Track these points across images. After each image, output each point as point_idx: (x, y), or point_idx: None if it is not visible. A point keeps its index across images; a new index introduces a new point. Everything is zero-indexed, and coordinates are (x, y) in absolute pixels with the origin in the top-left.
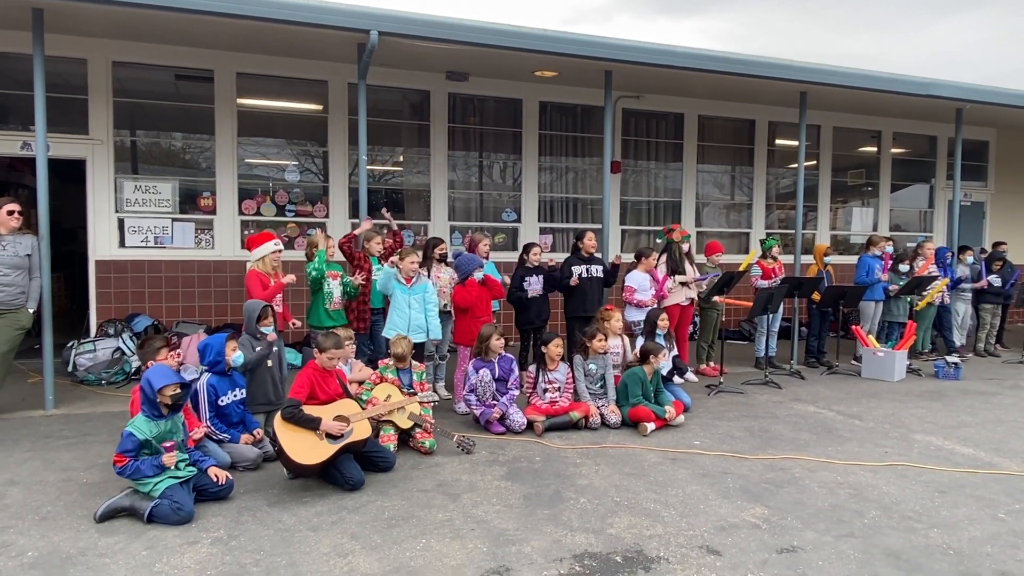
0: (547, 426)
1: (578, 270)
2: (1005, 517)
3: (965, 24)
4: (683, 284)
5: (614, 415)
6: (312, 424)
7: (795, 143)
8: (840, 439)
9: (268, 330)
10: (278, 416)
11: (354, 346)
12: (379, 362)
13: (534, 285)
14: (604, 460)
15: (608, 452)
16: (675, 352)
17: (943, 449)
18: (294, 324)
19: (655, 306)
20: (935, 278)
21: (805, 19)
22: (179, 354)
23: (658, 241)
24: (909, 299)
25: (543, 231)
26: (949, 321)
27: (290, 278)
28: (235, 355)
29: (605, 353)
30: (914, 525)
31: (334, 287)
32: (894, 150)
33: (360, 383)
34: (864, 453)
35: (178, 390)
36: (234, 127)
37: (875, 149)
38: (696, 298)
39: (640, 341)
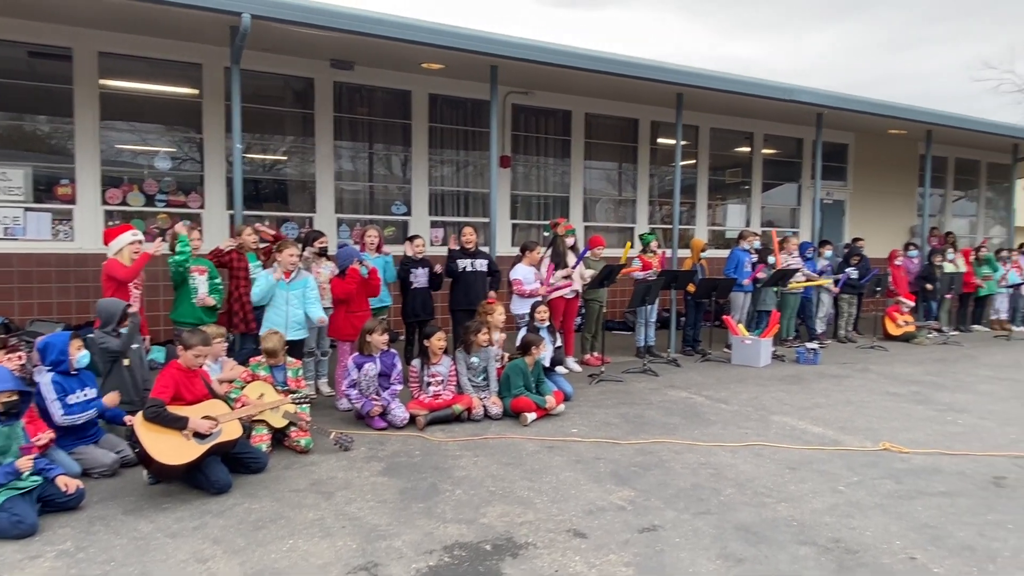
0: (429, 420)
1: (463, 263)
2: (844, 489)
3: (840, 32)
4: (565, 277)
5: (496, 406)
6: (178, 423)
7: (674, 142)
8: (707, 422)
9: (126, 331)
10: (139, 416)
11: (225, 344)
12: (250, 359)
13: (419, 277)
14: (484, 451)
15: (489, 443)
16: (559, 343)
17: (797, 429)
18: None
19: (541, 299)
20: (796, 270)
21: (696, 20)
22: (21, 356)
23: (544, 235)
24: (775, 289)
25: (434, 224)
26: (811, 310)
27: (157, 245)
28: (80, 354)
29: (488, 346)
30: (765, 500)
31: (200, 282)
32: (765, 151)
33: (231, 382)
34: (727, 435)
35: (13, 397)
36: (96, 110)
37: (748, 149)
38: (580, 291)
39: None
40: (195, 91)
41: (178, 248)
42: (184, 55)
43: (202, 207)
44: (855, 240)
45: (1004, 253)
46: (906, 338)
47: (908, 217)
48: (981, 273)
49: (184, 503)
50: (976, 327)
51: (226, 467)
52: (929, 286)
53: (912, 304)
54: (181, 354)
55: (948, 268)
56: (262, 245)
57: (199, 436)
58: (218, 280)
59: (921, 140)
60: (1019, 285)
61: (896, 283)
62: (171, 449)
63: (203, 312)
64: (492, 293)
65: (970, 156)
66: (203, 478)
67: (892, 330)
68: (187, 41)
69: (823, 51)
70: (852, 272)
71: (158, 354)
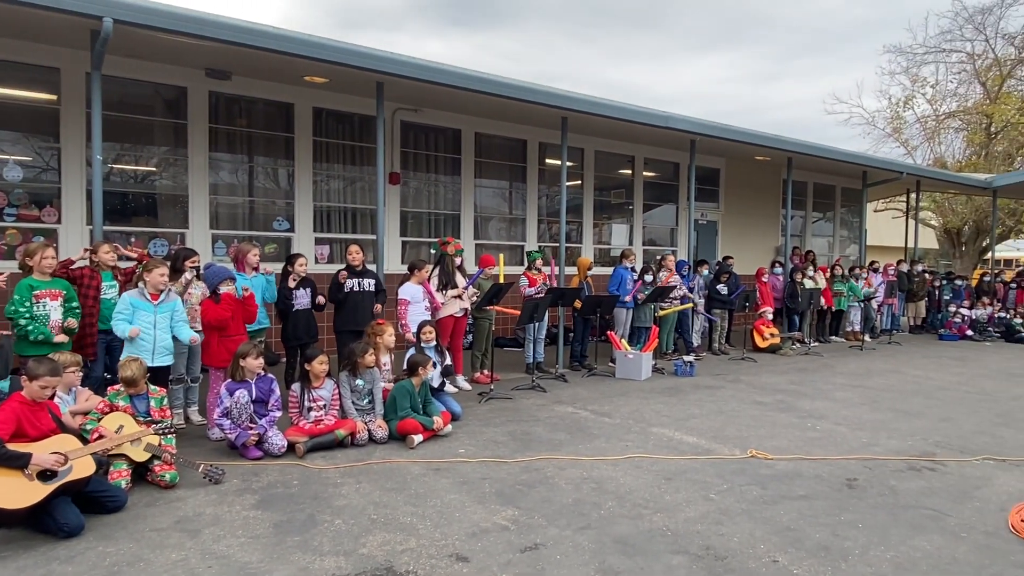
0: (310, 447)
1: (349, 283)
2: (715, 497)
3: (714, 62)
4: (456, 297)
5: (381, 430)
6: (19, 461)
7: (561, 163)
8: (591, 436)
9: None
10: None
11: (80, 373)
12: (108, 388)
13: (300, 298)
14: (367, 477)
15: (373, 468)
16: (447, 362)
17: (673, 439)
18: None
19: (429, 318)
20: (673, 287)
21: (584, 46)
22: None
23: (432, 252)
24: (653, 305)
25: (319, 241)
26: (688, 325)
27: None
28: None
29: (374, 367)
30: (642, 512)
31: (52, 308)
32: (646, 174)
33: (86, 414)
34: (609, 448)
35: None
36: None
37: (630, 172)
38: (468, 309)
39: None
40: (52, 96)
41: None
42: (40, 58)
43: (58, 221)
44: (725, 258)
45: (857, 271)
46: (772, 349)
47: (773, 237)
48: (836, 289)
49: (27, 550)
50: (834, 338)
51: (78, 507)
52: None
53: (772, 309)
54: (26, 385)
55: (809, 284)
56: (124, 265)
57: (45, 475)
58: (75, 304)
59: (784, 166)
60: (870, 299)
61: (763, 298)
62: (10, 491)
63: (57, 343)
64: (379, 307)
65: (827, 181)
66: (51, 521)
67: (760, 342)
68: (43, 43)
69: (699, 80)
70: (722, 288)
71: (3, 383)
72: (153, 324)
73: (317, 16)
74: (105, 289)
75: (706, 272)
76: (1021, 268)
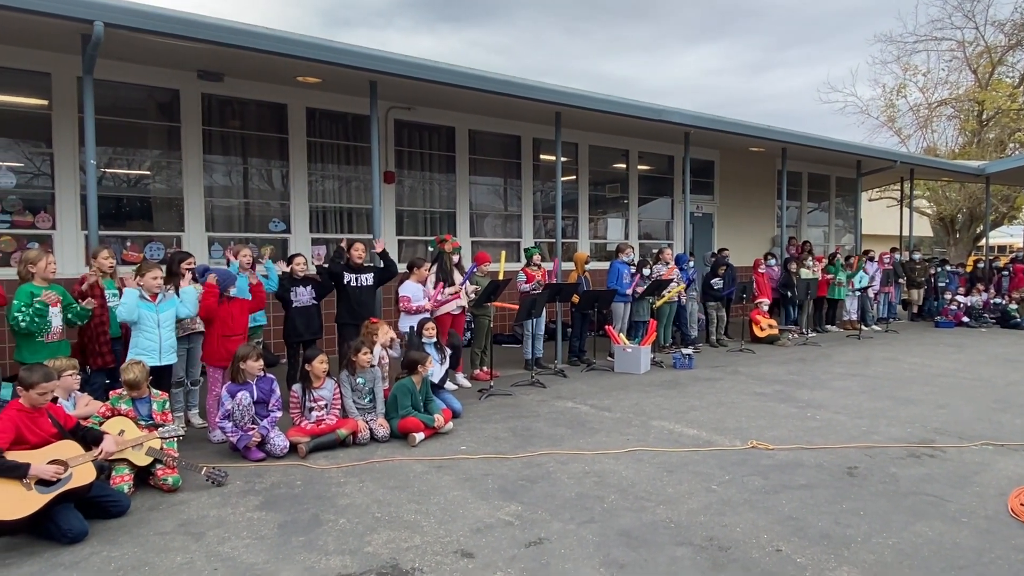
0: (312, 447)
1: (348, 278)
2: (717, 488)
3: (707, 54)
4: (453, 294)
5: (383, 428)
6: (17, 472)
7: (555, 158)
8: (591, 431)
9: None
10: None
11: (78, 377)
12: (110, 392)
13: (301, 296)
14: (370, 476)
15: (375, 467)
16: (447, 364)
17: (674, 432)
18: None
19: (430, 315)
20: (670, 281)
21: (575, 39)
22: None
23: (430, 250)
24: (651, 299)
25: (316, 241)
26: (685, 318)
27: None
28: None
29: (373, 366)
30: (645, 504)
31: (53, 315)
32: (640, 167)
33: (87, 418)
34: (610, 442)
35: None
36: None
37: (625, 166)
38: (466, 306)
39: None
40: (44, 102)
41: (18, 300)
42: (30, 63)
43: (53, 227)
44: (721, 251)
45: (851, 260)
46: (770, 340)
47: (769, 228)
48: (838, 279)
49: (32, 556)
50: (830, 328)
51: (81, 513)
52: (788, 292)
53: (768, 302)
54: (22, 394)
55: (805, 274)
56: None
57: (45, 483)
58: (75, 304)
59: (778, 157)
60: (867, 288)
61: (760, 289)
62: (9, 501)
63: (54, 348)
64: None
65: (821, 171)
66: (54, 527)
67: (758, 333)
68: (33, 48)
69: (691, 72)
70: (717, 282)
71: (6, 391)
72: (157, 324)
73: (305, 14)
74: (109, 297)
75: (691, 264)
76: (1014, 254)
